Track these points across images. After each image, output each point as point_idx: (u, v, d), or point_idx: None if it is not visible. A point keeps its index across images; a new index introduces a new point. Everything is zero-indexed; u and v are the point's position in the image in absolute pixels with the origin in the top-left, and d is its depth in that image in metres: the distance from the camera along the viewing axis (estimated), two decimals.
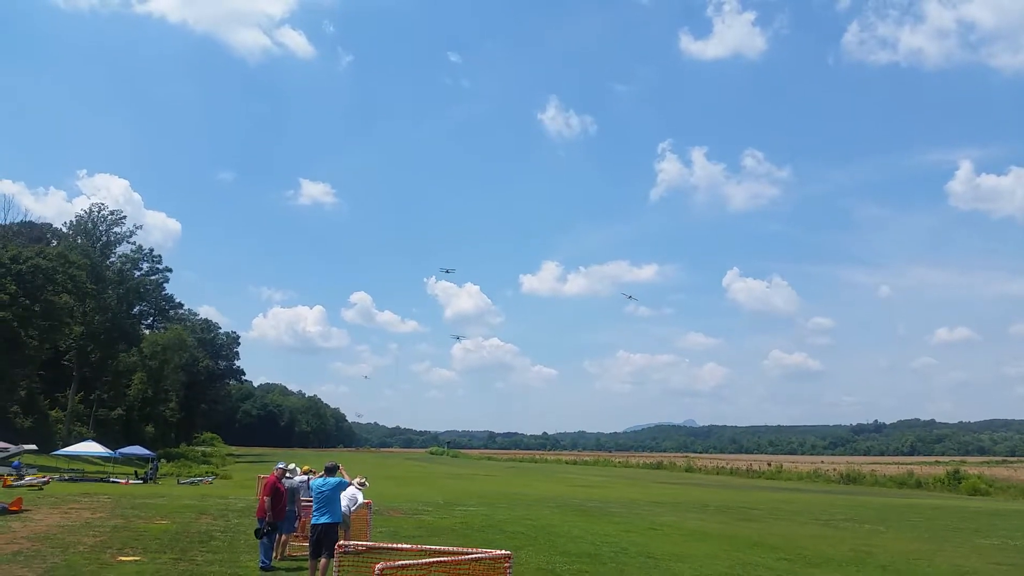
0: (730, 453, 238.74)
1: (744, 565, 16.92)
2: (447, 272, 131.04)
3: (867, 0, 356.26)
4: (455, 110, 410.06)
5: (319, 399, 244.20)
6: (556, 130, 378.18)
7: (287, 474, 15.46)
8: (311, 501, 13.03)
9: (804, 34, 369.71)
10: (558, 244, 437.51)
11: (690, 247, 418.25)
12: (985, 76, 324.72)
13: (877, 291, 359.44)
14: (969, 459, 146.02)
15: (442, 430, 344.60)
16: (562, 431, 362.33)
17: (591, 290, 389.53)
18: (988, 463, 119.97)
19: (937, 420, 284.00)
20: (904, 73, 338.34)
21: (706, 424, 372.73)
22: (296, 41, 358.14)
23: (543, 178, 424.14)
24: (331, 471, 13.05)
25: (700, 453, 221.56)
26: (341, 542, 9.64)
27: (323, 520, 12.28)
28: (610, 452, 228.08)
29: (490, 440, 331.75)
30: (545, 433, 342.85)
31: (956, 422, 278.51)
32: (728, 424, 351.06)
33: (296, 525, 15.75)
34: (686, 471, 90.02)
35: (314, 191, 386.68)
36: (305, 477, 16.10)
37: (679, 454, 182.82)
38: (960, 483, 57.37)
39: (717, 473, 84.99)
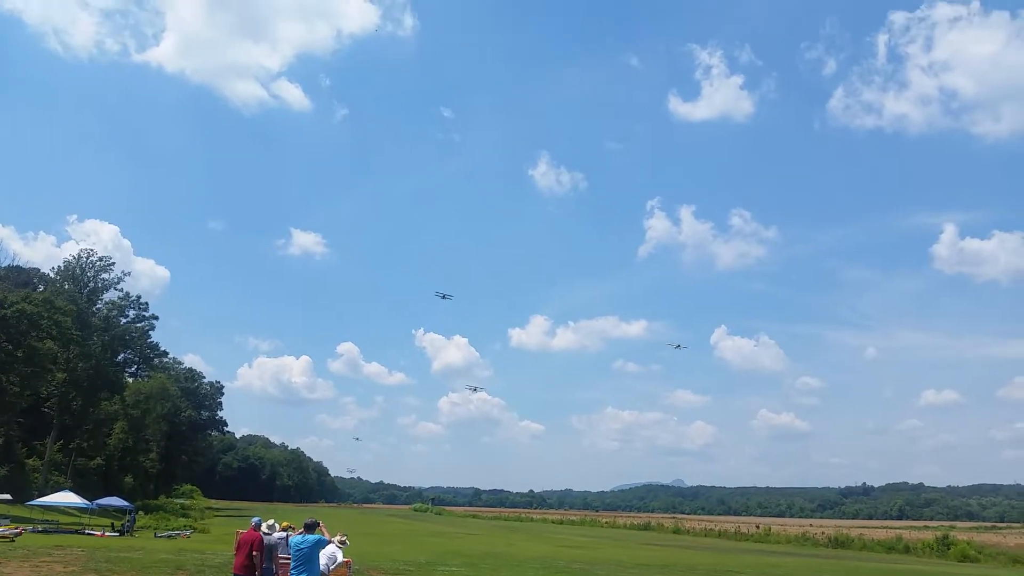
0: (718, 514, 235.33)
1: None
2: (444, 297, 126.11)
3: (852, 66, 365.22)
4: (447, 164, 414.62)
5: (302, 452, 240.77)
6: (547, 186, 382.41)
7: (266, 530, 15.09)
8: (290, 559, 12.68)
9: (791, 98, 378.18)
10: (547, 298, 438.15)
11: (678, 304, 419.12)
12: (967, 143, 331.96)
13: (864, 353, 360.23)
14: (958, 524, 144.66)
15: (427, 486, 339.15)
16: (548, 488, 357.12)
17: (580, 345, 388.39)
18: (977, 528, 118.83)
19: (925, 484, 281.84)
20: (889, 138, 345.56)
21: (694, 484, 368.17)
22: (292, 94, 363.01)
23: (533, 233, 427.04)
24: (310, 528, 12.73)
25: (688, 514, 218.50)
26: None
27: None
28: (597, 511, 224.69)
29: (475, 497, 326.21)
30: (531, 491, 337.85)
31: (945, 486, 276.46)
32: (716, 484, 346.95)
33: None
34: (674, 532, 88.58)
35: (305, 241, 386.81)
36: (284, 534, 15.69)
37: (667, 515, 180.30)
38: (949, 549, 56.63)
39: (705, 535, 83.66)
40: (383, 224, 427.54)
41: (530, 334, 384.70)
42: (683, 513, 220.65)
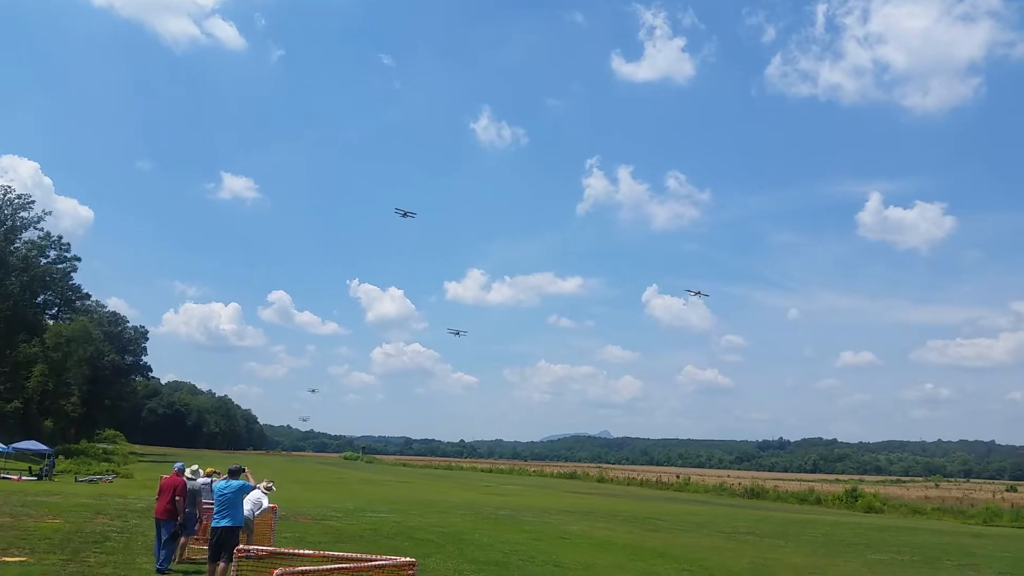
0: (642, 464, 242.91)
1: (648, 575, 17.28)
2: (405, 215, 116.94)
3: (791, 34, 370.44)
4: (386, 112, 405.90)
5: (230, 399, 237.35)
6: (488, 140, 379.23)
7: (190, 475, 15.02)
8: (213, 504, 12.69)
9: (730, 63, 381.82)
10: (485, 253, 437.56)
11: (613, 262, 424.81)
12: (896, 114, 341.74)
13: (787, 313, 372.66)
14: (867, 478, 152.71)
15: (358, 435, 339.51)
16: (480, 439, 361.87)
17: (515, 300, 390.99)
18: (884, 482, 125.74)
19: (839, 439, 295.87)
20: (822, 107, 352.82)
21: (621, 435, 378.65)
22: (226, 32, 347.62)
23: (473, 187, 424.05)
24: (234, 474, 12.74)
25: (613, 464, 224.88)
26: (241, 546, 9.41)
27: (223, 523, 11.97)
28: (526, 461, 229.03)
29: (407, 446, 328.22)
30: (463, 440, 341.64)
31: (856, 442, 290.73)
32: (641, 436, 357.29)
33: (196, 528, 15.31)
34: (598, 481, 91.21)
35: (236, 185, 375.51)
36: (208, 479, 15.66)
37: (593, 464, 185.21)
38: (857, 501, 59.81)
39: (628, 484, 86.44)
40: (318, 171, 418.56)
41: (466, 287, 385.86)
42: (608, 463, 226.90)
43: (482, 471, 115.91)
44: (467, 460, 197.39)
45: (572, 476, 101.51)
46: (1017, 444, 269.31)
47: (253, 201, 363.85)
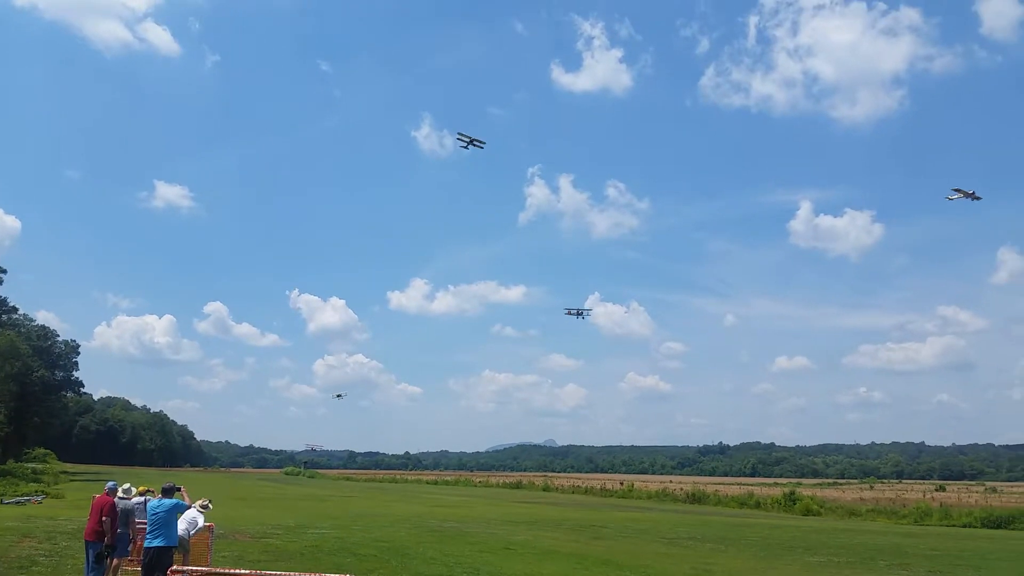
0: (587, 472, 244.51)
1: None
2: (472, 143, 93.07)
3: (724, 46, 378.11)
4: (325, 119, 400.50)
5: (165, 415, 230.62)
6: (430, 148, 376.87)
7: (122, 495, 14.53)
8: (147, 523, 12.30)
9: (666, 74, 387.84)
10: (428, 262, 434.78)
11: (556, 270, 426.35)
12: (826, 125, 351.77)
13: (724, 320, 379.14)
14: (804, 481, 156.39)
15: (300, 449, 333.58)
16: (425, 450, 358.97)
17: (459, 309, 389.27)
18: (820, 485, 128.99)
19: (777, 443, 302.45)
20: (754, 117, 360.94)
21: (565, 443, 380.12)
22: (160, 36, 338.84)
23: (415, 195, 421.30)
24: (168, 492, 12.38)
25: (558, 472, 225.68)
26: (175, 567, 9.14)
27: (156, 543, 11.62)
28: (472, 471, 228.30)
29: (350, 460, 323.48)
30: (407, 452, 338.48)
31: (794, 445, 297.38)
32: (586, 444, 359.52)
33: (130, 549, 14.81)
34: (544, 490, 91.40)
35: (169, 193, 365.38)
36: (141, 498, 15.17)
37: (538, 473, 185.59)
38: (795, 504, 61.20)
39: (573, 492, 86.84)
40: (256, 179, 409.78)
41: (410, 297, 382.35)
42: (554, 471, 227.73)
43: (427, 483, 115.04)
44: (412, 472, 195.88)
45: (518, 486, 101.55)
46: (945, 445, 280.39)
47: (188, 210, 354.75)
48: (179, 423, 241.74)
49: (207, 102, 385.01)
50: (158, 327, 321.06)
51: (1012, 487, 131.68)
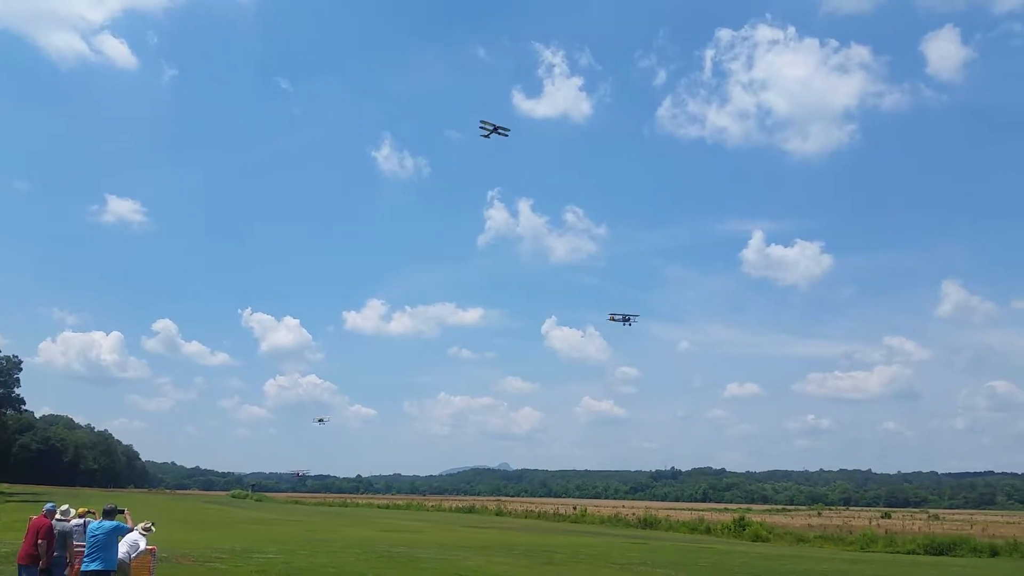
0: (540, 496, 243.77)
1: None
2: (496, 130, 78.90)
3: (681, 78, 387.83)
4: (283, 138, 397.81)
5: (110, 434, 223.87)
6: (390, 169, 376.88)
7: (60, 516, 14.05)
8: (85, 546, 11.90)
9: (624, 103, 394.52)
10: (385, 282, 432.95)
11: (514, 294, 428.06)
12: (778, 157, 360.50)
13: (678, 345, 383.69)
14: (754, 507, 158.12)
15: (247, 471, 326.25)
16: (377, 473, 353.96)
17: (416, 330, 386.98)
18: (770, 511, 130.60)
19: (727, 469, 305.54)
20: (709, 148, 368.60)
21: (520, 467, 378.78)
22: (117, 50, 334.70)
23: (373, 215, 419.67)
24: (109, 514, 12.02)
25: (512, 496, 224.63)
26: None
27: (92, 567, 11.27)
28: (424, 495, 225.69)
29: (299, 483, 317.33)
30: (359, 476, 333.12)
31: (744, 471, 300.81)
32: (540, 468, 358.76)
33: (67, 573, 14.28)
34: (496, 514, 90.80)
35: (121, 208, 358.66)
36: (80, 520, 14.67)
37: (491, 498, 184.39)
38: (744, 529, 61.75)
39: (526, 516, 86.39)
40: (211, 196, 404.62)
41: (366, 317, 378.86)
42: (507, 496, 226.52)
43: (379, 507, 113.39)
44: (363, 496, 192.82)
45: (471, 510, 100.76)
46: (891, 472, 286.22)
47: (139, 225, 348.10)
48: (124, 443, 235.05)
49: (163, 117, 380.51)
50: (105, 344, 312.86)
51: (954, 514, 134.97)
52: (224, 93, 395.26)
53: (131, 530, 13.70)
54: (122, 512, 14.23)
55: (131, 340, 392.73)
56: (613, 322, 65.88)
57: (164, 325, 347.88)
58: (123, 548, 13.48)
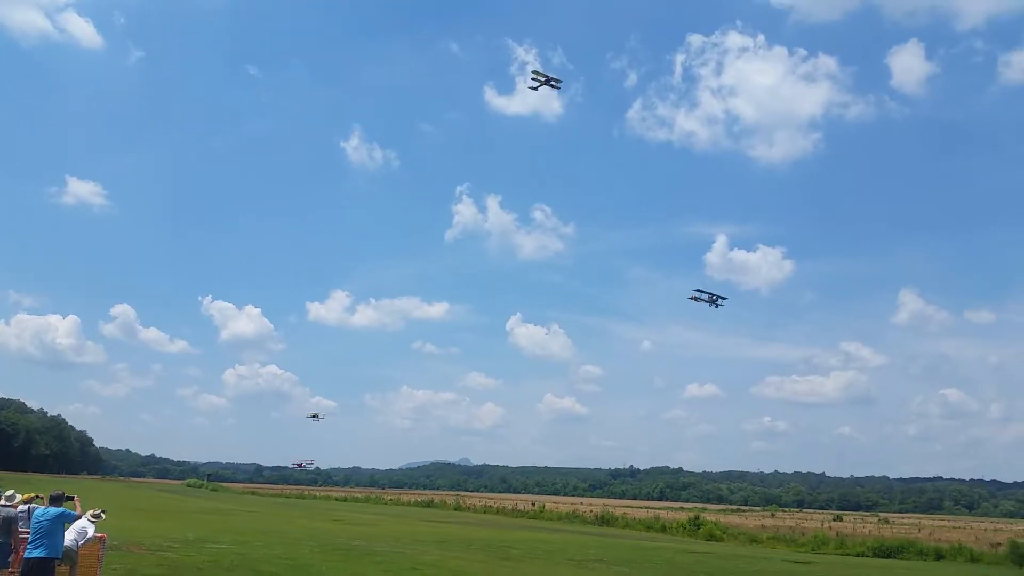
0: (500, 492, 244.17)
1: None
2: (548, 81, 76.83)
3: (651, 81, 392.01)
4: (250, 124, 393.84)
5: (63, 420, 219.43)
6: (359, 160, 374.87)
7: (4, 502, 13.72)
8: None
9: (595, 104, 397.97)
10: (350, 274, 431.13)
11: (480, 289, 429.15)
12: (744, 163, 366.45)
13: (640, 345, 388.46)
14: (709, 506, 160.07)
15: (204, 461, 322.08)
16: (336, 466, 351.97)
17: (380, 323, 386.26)
18: (724, 511, 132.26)
19: (684, 468, 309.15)
20: (676, 152, 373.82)
21: (480, 463, 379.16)
22: (81, 29, 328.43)
23: (340, 206, 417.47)
24: (56, 500, 11.77)
25: (472, 492, 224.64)
26: None
27: (36, 554, 11.02)
28: (383, 489, 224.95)
29: (257, 474, 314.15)
30: (318, 468, 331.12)
31: (700, 471, 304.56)
32: (501, 463, 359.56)
33: (10, 559, 13.94)
34: (455, 509, 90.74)
35: (81, 190, 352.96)
36: (26, 507, 14.34)
37: (451, 492, 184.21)
38: (699, 529, 62.43)
39: (484, 512, 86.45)
40: (174, 180, 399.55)
41: (329, 309, 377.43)
42: (467, 491, 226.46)
43: (336, 500, 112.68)
44: (321, 488, 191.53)
45: (429, 504, 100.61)
46: (844, 476, 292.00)
47: (100, 208, 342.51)
48: (78, 428, 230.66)
49: (128, 99, 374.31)
50: (61, 327, 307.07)
51: (903, 518, 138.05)
52: (191, 77, 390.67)
53: (78, 517, 13.44)
54: (71, 499, 13.94)
55: (88, 324, 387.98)
56: (697, 301, 59.51)
57: (123, 310, 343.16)
58: (71, 535, 13.21)
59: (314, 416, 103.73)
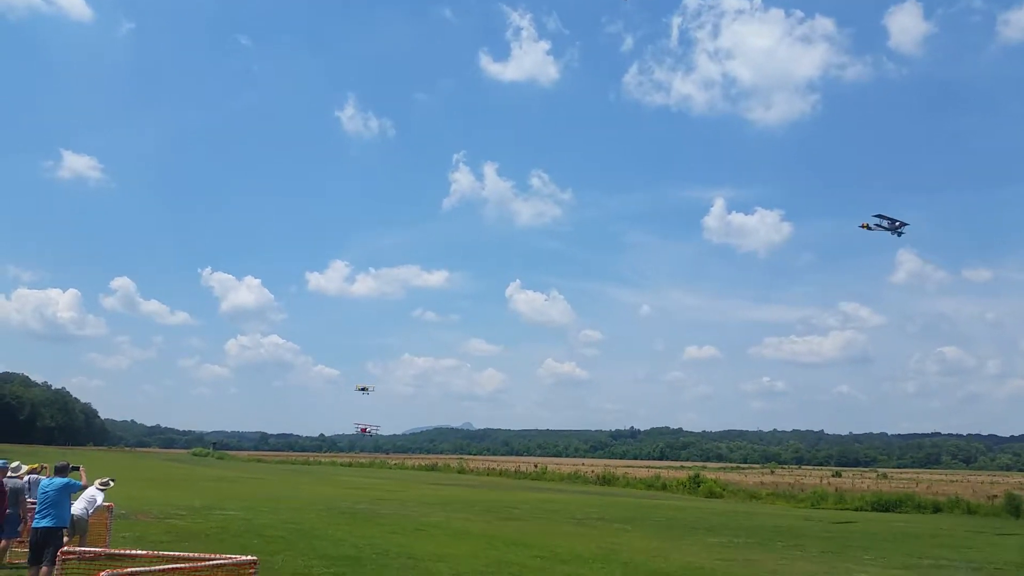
0: (502, 455, 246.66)
1: (500, 563, 17.58)
2: None
3: (647, 45, 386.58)
4: (243, 95, 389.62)
5: (67, 392, 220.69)
6: (354, 129, 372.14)
7: (11, 473, 13.89)
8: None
9: (591, 69, 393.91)
10: (348, 244, 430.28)
11: (478, 257, 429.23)
12: (741, 126, 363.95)
13: (639, 310, 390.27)
14: (709, 465, 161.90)
15: (209, 430, 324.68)
16: (340, 432, 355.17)
17: (380, 292, 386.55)
18: (724, 469, 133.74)
19: (684, 428, 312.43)
20: (674, 116, 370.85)
21: (482, 427, 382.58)
22: (70, 1, 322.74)
23: (337, 176, 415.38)
24: (61, 471, 11.90)
25: (474, 455, 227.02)
26: (66, 548, 8.81)
27: (44, 524, 11.16)
28: (387, 454, 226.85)
29: (262, 441, 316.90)
30: (322, 435, 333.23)
31: (700, 431, 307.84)
32: (503, 427, 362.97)
33: (20, 529, 14.15)
34: (459, 472, 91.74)
35: (77, 164, 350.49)
36: (33, 476, 14.52)
37: (454, 456, 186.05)
38: (699, 486, 63.22)
39: (488, 474, 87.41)
40: (170, 152, 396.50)
41: (329, 279, 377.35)
42: (470, 454, 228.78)
43: (341, 466, 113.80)
44: (326, 455, 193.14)
45: (433, 468, 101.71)
46: (843, 433, 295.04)
47: (96, 182, 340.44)
48: (82, 401, 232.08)
49: (120, 71, 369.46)
50: (62, 301, 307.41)
51: (901, 473, 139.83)
52: (183, 49, 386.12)
53: (84, 487, 13.60)
54: (76, 469, 14.10)
55: (89, 298, 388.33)
56: (872, 230, 52.65)
57: (122, 283, 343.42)
58: (81, 504, 13.39)
59: (363, 389, 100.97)
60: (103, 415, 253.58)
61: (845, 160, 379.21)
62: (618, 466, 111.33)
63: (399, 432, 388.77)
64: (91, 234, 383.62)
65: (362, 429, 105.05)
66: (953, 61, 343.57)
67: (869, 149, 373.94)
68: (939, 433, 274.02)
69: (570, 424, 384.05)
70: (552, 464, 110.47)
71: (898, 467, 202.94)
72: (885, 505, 48.38)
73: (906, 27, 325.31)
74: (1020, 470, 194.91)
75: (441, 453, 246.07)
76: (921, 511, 46.26)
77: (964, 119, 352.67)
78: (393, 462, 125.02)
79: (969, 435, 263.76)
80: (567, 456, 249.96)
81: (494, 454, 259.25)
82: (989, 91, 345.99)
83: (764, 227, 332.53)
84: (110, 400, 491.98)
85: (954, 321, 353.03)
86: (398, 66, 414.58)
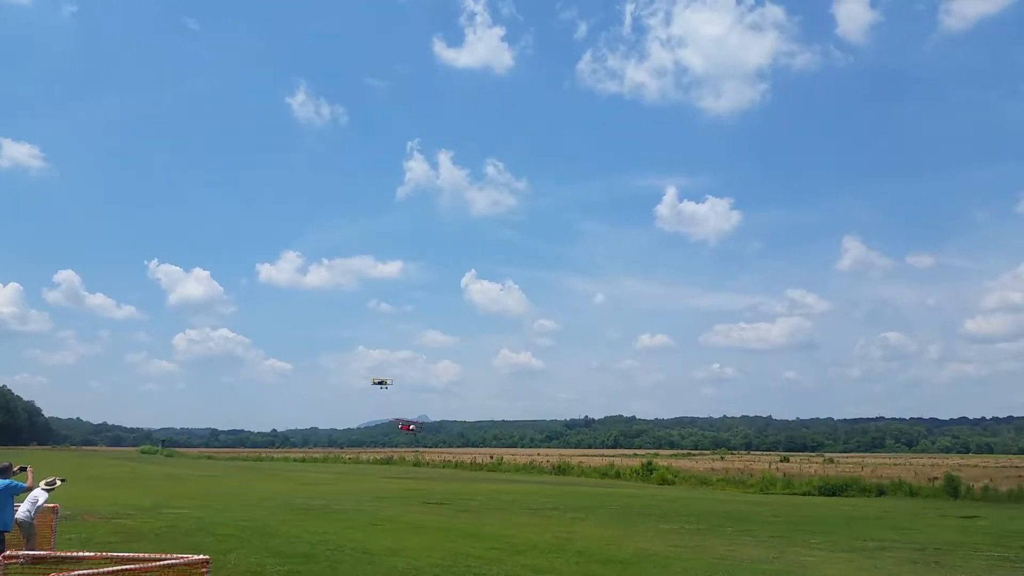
0: (458, 447, 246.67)
1: (456, 556, 17.66)
2: None
3: (601, 32, 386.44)
4: (191, 80, 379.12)
5: (9, 390, 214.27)
6: (306, 116, 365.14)
7: None
8: None
9: (545, 56, 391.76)
10: (300, 234, 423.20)
11: (434, 247, 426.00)
12: (693, 115, 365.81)
13: (593, 298, 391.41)
14: (662, 452, 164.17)
15: (157, 427, 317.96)
16: (293, 427, 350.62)
17: (334, 283, 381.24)
18: (676, 456, 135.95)
19: (637, 416, 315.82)
20: (627, 104, 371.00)
21: (438, 419, 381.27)
22: None
23: (288, 164, 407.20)
24: (3, 472, 11.59)
25: (430, 448, 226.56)
26: (7, 552, 8.61)
27: None
28: (342, 448, 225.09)
29: (212, 438, 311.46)
30: (274, 430, 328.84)
31: (653, 419, 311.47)
32: (458, 419, 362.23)
33: None
34: (414, 465, 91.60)
35: (17, 152, 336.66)
36: None
37: (409, 449, 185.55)
38: (652, 474, 64.18)
39: (443, 466, 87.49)
40: (115, 140, 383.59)
41: (281, 270, 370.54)
42: (426, 447, 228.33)
43: (295, 461, 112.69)
44: (279, 450, 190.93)
45: (388, 462, 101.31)
46: (790, 418, 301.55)
47: (38, 171, 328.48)
48: (25, 399, 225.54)
49: (62, 56, 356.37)
50: (2, 296, 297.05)
51: (847, 458, 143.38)
52: (128, 32, 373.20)
53: (29, 488, 13.28)
54: (23, 470, 13.74)
55: (31, 292, 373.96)
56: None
57: (66, 276, 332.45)
58: (24, 506, 13.07)
59: (380, 383, 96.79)
60: (47, 413, 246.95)
61: (793, 148, 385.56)
62: (573, 455, 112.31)
63: (353, 426, 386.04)
64: (33, 226, 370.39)
65: (403, 427, 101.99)
66: (898, 50, 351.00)
67: (816, 137, 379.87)
68: (883, 417, 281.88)
69: (526, 415, 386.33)
70: (508, 455, 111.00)
71: (844, 451, 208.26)
72: (832, 489, 49.71)
73: (853, 15, 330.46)
74: (959, 452, 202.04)
75: (396, 446, 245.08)
76: (866, 494, 47.67)
77: (908, 107, 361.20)
78: (348, 457, 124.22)
79: (912, 419, 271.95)
80: (523, 447, 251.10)
81: (450, 446, 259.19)
82: (932, 80, 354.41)
83: (714, 216, 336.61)
84: (55, 398, 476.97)
85: (897, 306, 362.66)
86: (350, 51, 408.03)
